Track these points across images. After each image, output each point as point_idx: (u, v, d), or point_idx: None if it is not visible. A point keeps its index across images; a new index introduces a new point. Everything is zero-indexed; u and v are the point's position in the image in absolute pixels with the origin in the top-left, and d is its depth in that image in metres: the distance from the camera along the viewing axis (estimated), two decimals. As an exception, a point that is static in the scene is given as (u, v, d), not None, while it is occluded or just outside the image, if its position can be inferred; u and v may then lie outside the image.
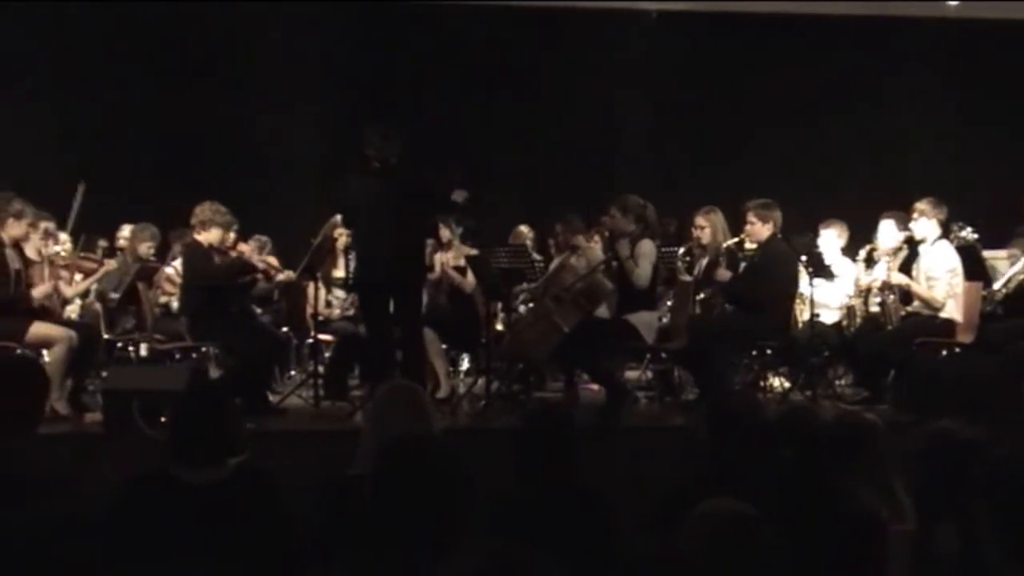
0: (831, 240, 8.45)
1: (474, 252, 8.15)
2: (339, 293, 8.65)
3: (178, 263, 8.13)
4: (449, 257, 8.34)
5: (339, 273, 8.59)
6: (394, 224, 6.87)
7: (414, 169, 7.12)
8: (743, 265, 7.76)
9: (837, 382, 8.27)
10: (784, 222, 7.64)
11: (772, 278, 7.46)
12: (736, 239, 7.85)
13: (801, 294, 7.84)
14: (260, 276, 7.96)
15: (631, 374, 8.59)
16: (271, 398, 7.57)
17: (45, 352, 7.14)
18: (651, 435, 6.80)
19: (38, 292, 7.10)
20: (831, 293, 8.26)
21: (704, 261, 8.00)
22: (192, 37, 10.69)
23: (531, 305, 8.27)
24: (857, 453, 3.61)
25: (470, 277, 8.13)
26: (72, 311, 7.99)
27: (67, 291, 7.94)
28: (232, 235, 7.97)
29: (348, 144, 10.39)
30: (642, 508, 3.48)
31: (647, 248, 7.30)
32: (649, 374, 8.46)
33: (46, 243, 7.50)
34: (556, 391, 8.32)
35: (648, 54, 11.29)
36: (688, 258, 8.23)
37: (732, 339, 7.52)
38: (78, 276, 8.03)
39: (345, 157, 9.67)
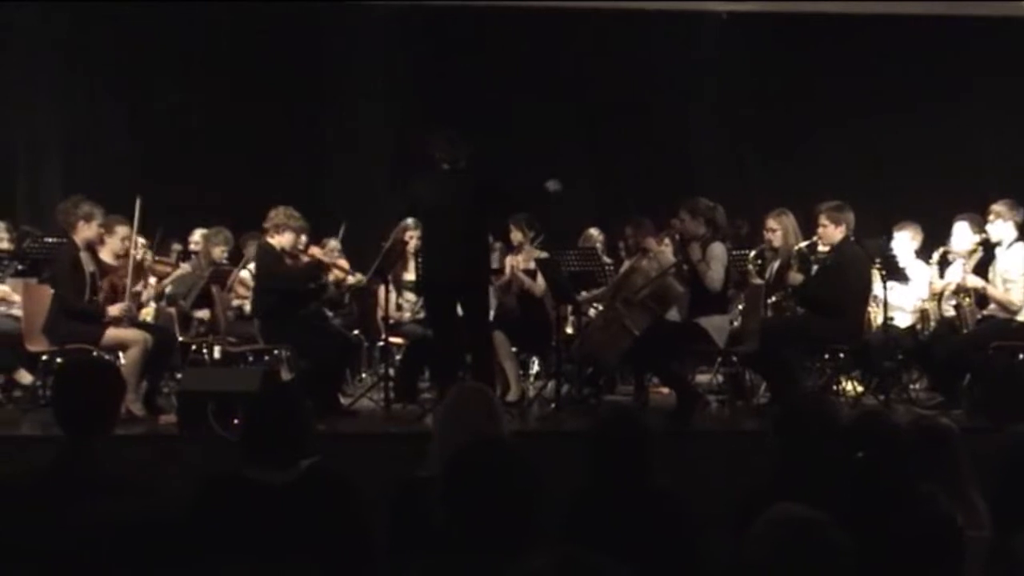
0: (905, 242, 8.32)
1: (544, 255, 8.16)
2: (409, 296, 8.70)
3: (251, 266, 8.24)
4: (519, 260, 8.35)
5: (409, 276, 8.64)
6: (461, 227, 6.91)
7: (483, 172, 7.15)
8: (815, 268, 7.68)
9: (911, 386, 8.13)
10: (857, 224, 7.54)
11: (845, 281, 7.37)
12: (808, 242, 7.77)
13: (875, 297, 7.75)
14: (331, 280, 8.04)
15: (702, 378, 8.53)
16: (342, 400, 7.63)
17: (121, 354, 7.27)
18: (722, 439, 6.76)
19: (115, 310, 7.20)
20: (905, 296, 8.13)
21: (776, 264, 7.94)
22: (265, 41, 10.81)
23: (601, 308, 8.24)
24: (932, 458, 3.55)
25: (540, 280, 8.13)
26: (147, 314, 8.13)
27: (142, 294, 8.09)
28: (304, 239, 8.06)
29: (417, 148, 10.53)
30: (713, 512, 3.45)
31: (718, 251, 7.24)
32: (720, 378, 8.39)
33: (125, 247, 7.63)
34: (626, 394, 8.29)
35: (719, 55, 11.20)
36: (759, 261, 8.17)
37: (804, 343, 7.44)
38: (152, 279, 8.17)
39: (414, 161, 9.77)
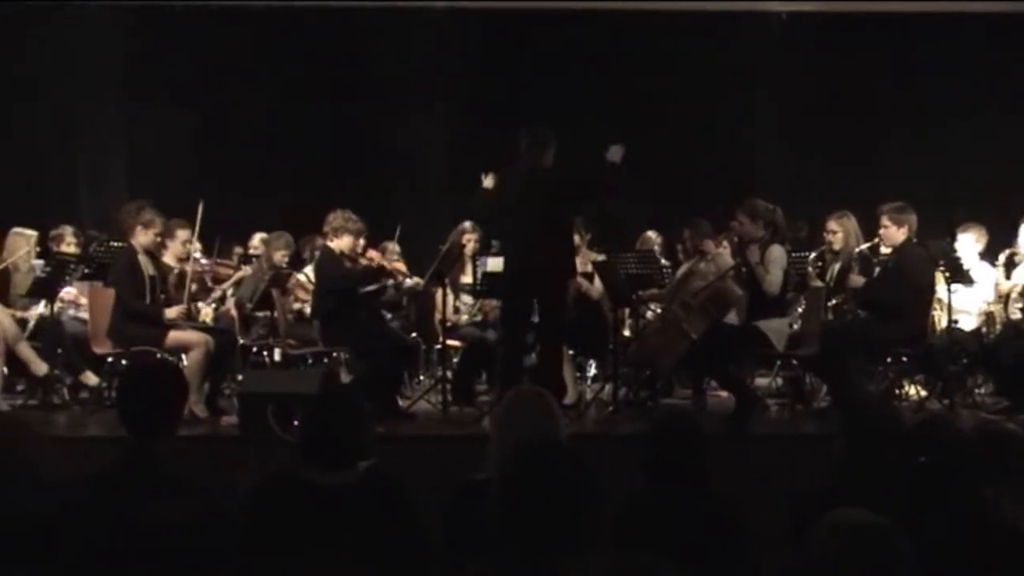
0: (969, 244, 8.19)
1: (601, 257, 8.14)
2: (467, 299, 8.72)
3: (309, 269, 8.31)
4: (577, 263, 8.33)
5: (467, 279, 8.66)
6: (544, 226, 6.95)
7: (563, 172, 7.17)
8: (877, 270, 7.61)
9: (976, 391, 8.01)
10: (920, 226, 7.45)
11: (908, 283, 7.28)
12: (870, 243, 7.70)
13: (938, 300, 7.65)
14: (390, 283, 8.09)
15: (761, 381, 8.46)
16: (400, 403, 7.67)
17: (184, 356, 7.36)
18: (781, 443, 6.70)
19: (172, 312, 7.30)
20: (970, 299, 8.02)
21: (836, 266, 7.86)
22: (323, 48, 10.90)
23: (658, 311, 8.21)
24: (997, 464, 3.49)
25: (597, 283, 8.12)
26: (206, 314, 8.22)
27: (204, 297, 8.20)
28: (363, 242, 8.11)
29: (476, 149, 10.55)
30: (772, 517, 3.42)
31: (777, 254, 7.19)
32: (779, 381, 8.32)
33: (187, 251, 7.73)
34: (684, 398, 8.24)
35: (778, 55, 11.12)
36: (820, 263, 8.10)
37: (866, 346, 7.37)
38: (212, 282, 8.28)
39: (474, 162, 9.79)
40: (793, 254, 7.63)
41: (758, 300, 7.22)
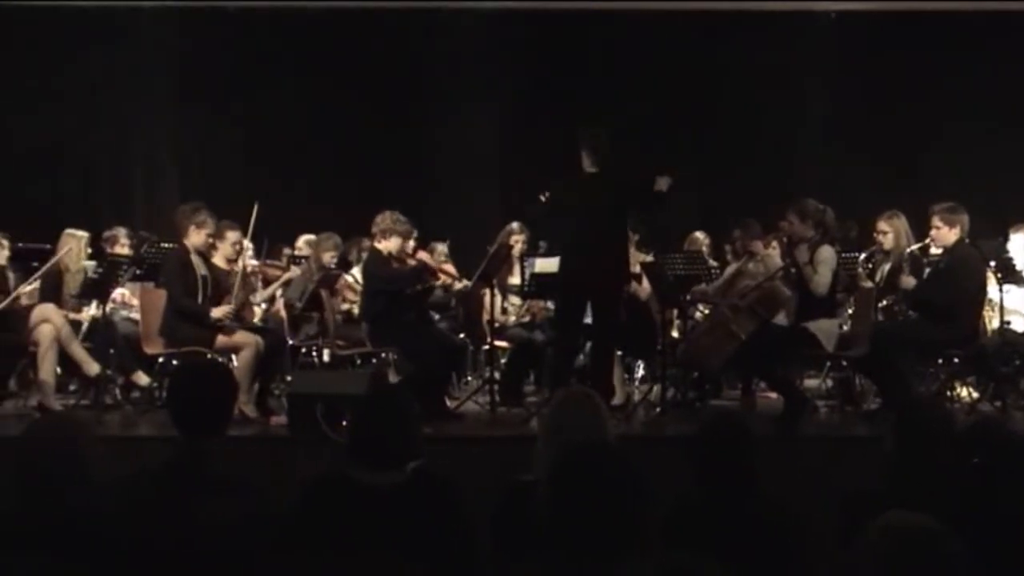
0: (1021, 244, 8.09)
1: (649, 258, 8.12)
2: (515, 300, 8.73)
3: (357, 271, 8.35)
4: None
5: (514, 280, 8.67)
6: (603, 228, 6.99)
7: (622, 173, 7.18)
8: (928, 271, 7.53)
9: (1029, 392, 7.91)
10: (972, 226, 7.37)
11: (959, 284, 7.21)
12: (921, 244, 7.63)
13: (990, 300, 7.56)
14: (438, 284, 8.12)
15: (810, 382, 8.40)
16: (448, 403, 7.69)
17: (234, 357, 7.43)
18: (831, 445, 6.66)
19: (218, 312, 7.36)
20: (1022, 299, 7.91)
21: (887, 267, 7.80)
22: (371, 49, 10.95)
23: (707, 311, 8.17)
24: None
25: (645, 284, 8.10)
26: (258, 313, 8.29)
27: (253, 298, 8.26)
28: (411, 243, 8.15)
29: (524, 150, 10.57)
30: (822, 520, 3.39)
31: (827, 254, 7.13)
32: (829, 382, 8.26)
33: (237, 252, 7.80)
34: (732, 399, 8.21)
35: (827, 55, 11.03)
36: (870, 264, 8.04)
37: (917, 347, 7.31)
38: (261, 283, 8.35)
39: (523, 163, 9.81)
40: (843, 254, 7.58)
41: (807, 301, 7.18)
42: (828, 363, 7.99)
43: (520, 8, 11.15)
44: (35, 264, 8.27)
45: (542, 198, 7.33)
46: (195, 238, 7.46)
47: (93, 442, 3.23)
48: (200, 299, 7.41)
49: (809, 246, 7.16)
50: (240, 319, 7.62)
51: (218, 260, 7.73)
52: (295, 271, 8.50)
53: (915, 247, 7.64)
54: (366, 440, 3.40)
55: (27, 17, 10.57)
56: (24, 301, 7.56)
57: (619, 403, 7.63)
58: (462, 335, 8.77)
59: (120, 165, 11.21)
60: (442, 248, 9.08)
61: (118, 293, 8.22)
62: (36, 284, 7.70)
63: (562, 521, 2.60)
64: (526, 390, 8.36)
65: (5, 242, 7.75)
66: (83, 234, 8.33)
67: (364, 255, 8.18)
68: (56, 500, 3.03)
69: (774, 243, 8.03)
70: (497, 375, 8.01)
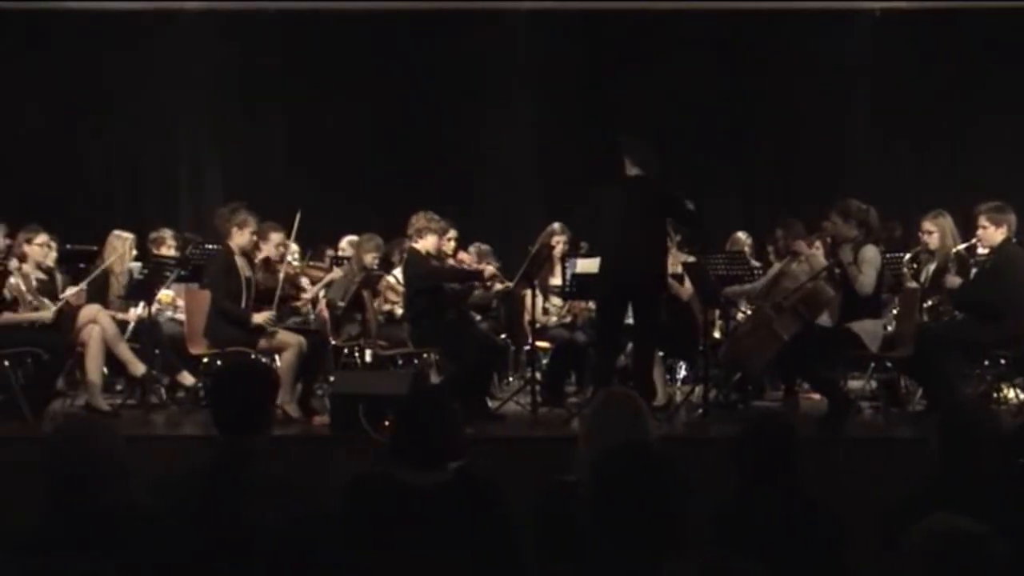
0: (1071, 244, 7.98)
1: (691, 259, 8.10)
2: (556, 300, 8.72)
3: (398, 272, 8.38)
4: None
5: (556, 281, 8.67)
6: (644, 233, 7.02)
7: (661, 179, 7.20)
8: (974, 271, 7.44)
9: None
10: (1019, 225, 7.28)
11: (1006, 284, 7.12)
12: (967, 244, 7.54)
13: (1038, 301, 7.45)
14: (478, 284, 8.14)
15: (854, 384, 8.34)
16: (490, 404, 7.70)
17: (277, 357, 7.48)
18: (876, 447, 6.61)
19: (259, 318, 7.40)
20: (1071, 300, 7.80)
21: (932, 267, 7.71)
22: (414, 49, 10.99)
23: (749, 312, 8.13)
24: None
25: (687, 284, 8.07)
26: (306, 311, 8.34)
27: (300, 300, 8.32)
28: (451, 242, 8.15)
29: (565, 151, 10.57)
30: (866, 522, 3.37)
31: (871, 254, 7.08)
32: (873, 384, 8.19)
33: (281, 253, 7.85)
34: (775, 400, 8.16)
35: (871, 53, 10.94)
36: (915, 264, 7.96)
37: (963, 348, 7.22)
38: (306, 283, 8.39)
39: (563, 164, 9.81)
40: (887, 254, 7.51)
41: (852, 301, 7.12)
42: (872, 364, 7.91)
43: (562, 8, 11.15)
44: (82, 266, 8.38)
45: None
46: (239, 239, 7.52)
47: (116, 442, 3.25)
48: (244, 300, 7.46)
49: (853, 246, 7.11)
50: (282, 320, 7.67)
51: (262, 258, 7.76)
52: (337, 272, 8.54)
53: (961, 247, 7.56)
54: (408, 440, 3.41)
55: (71, 20, 10.70)
56: (71, 302, 7.65)
57: (661, 404, 7.61)
58: (503, 336, 8.78)
59: (166, 167, 11.32)
60: (485, 248, 9.09)
61: (163, 294, 8.29)
62: (84, 287, 7.78)
63: (603, 521, 2.60)
64: (567, 391, 8.35)
65: (53, 244, 7.84)
66: (129, 236, 8.42)
67: (405, 256, 8.21)
68: (87, 500, 3.06)
69: (818, 243, 7.97)
70: (538, 376, 8.01)
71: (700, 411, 7.52)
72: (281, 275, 7.64)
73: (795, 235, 7.90)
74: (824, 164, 10.82)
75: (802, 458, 3.54)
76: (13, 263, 7.39)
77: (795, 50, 10.81)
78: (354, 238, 8.96)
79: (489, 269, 8.31)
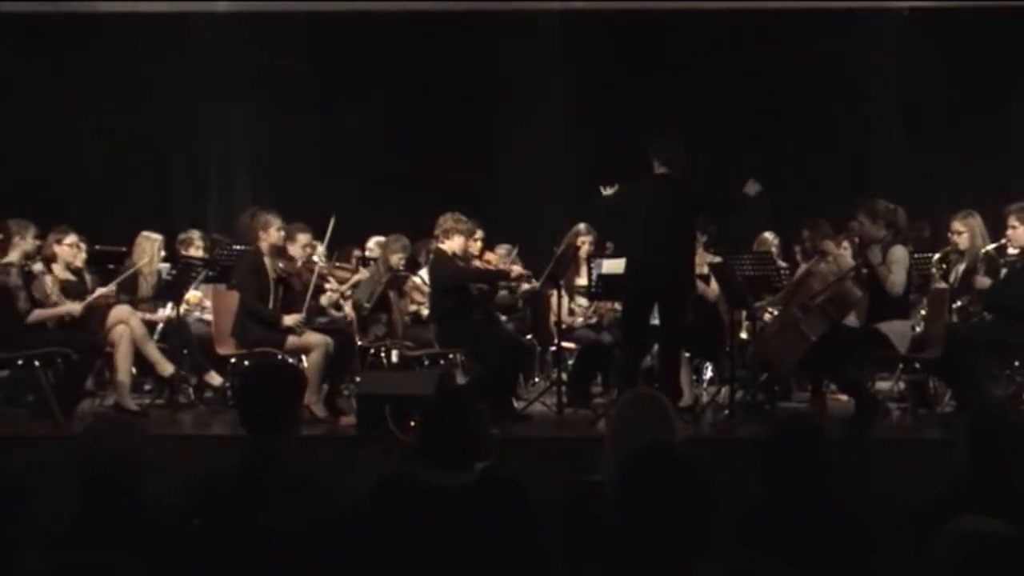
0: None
1: (717, 259, 8.08)
2: (582, 301, 8.72)
3: (424, 272, 8.40)
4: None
5: (582, 281, 8.66)
6: (671, 231, 7.01)
7: (694, 178, 7.18)
8: (1004, 271, 7.39)
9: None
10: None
11: (1037, 285, 7.07)
12: (996, 244, 7.49)
13: (1070, 302, 7.39)
14: (512, 279, 8.16)
15: (882, 385, 8.29)
16: (516, 404, 7.70)
17: (304, 357, 7.50)
18: (904, 448, 6.57)
19: (289, 320, 7.42)
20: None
21: (961, 267, 7.67)
22: (443, 50, 11.02)
23: (776, 313, 8.10)
24: None
25: (714, 285, 8.05)
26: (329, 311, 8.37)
27: (323, 299, 8.35)
28: (478, 243, 8.15)
29: (592, 151, 10.56)
30: (894, 525, 3.35)
31: (899, 254, 7.04)
32: (902, 385, 8.14)
33: (308, 254, 7.88)
34: (803, 401, 8.13)
35: (899, 52, 10.88)
36: (944, 264, 7.91)
37: (992, 349, 7.18)
38: (333, 283, 8.42)
39: (590, 164, 9.79)
40: (916, 255, 7.47)
41: (880, 302, 7.09)
42: (901, 365, 7.87)
43: (589, 9, 11.14)
44: (111, 267, 8.45)
45: (607, 190, 7.32)
46: (267, 239, 7.55)
47: (145, 441, 3.27)
48: (272, 301, 7.50)
49: (881, 247, 7.07)
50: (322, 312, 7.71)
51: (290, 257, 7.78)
52: (364, 273, 8.56)
53: (991, 247, 7.51)
54: (434, 440, 3.42)
55: (101, 23, 10.77)
56: (101, 301, 7.70)
57: (687, 405, 7.59)
58: (529, 336, 8.78)
59: (194, 169, 11.39)
60: (511, 249, 9.10)
61: (191, 295, 8.34)
62: (114, 288, 7.83)
63: (629, 522, 2.59)
64: (593, 391, 8.34)
65: (82, 245, 7.91)
66: (157, 237, 8.48)
67: (432, 257, 8.23)
68: (117, 499, 3.08)
69: (845, 243, 7.93)
70: (564, 376, 8.00)
71: (726, 412, 7.50)
72: (313, 277, 7.66)
73: (822, 235, 7.87)
74: (851, 164, 10.76)
75: (829, 460, 3.53)
76: (38, 266, 7.45)
77: (822, 49, 10.75)
78: (381, 239, 8.99)
79: (516, 269, 8.31)
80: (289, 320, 7.40)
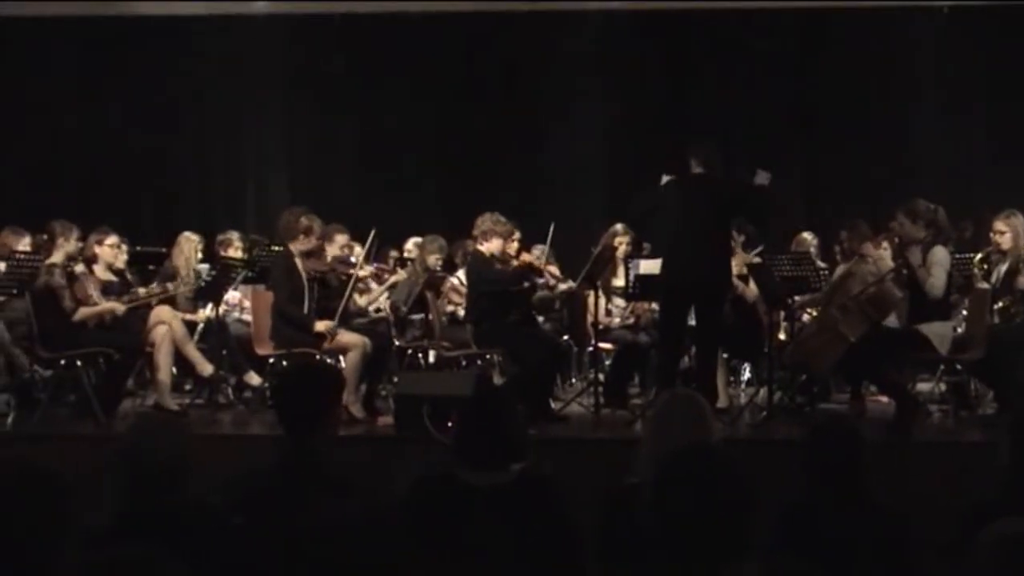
0: None
1: (756, 260, 8.04)
2: (619, 302, 8.70)
3: (462, 273, 8.42)
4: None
5: (619, 282, 8.65)
6: (708, 232, 6.97)
7: (727, 179, 7.14)
8: (1047, 272, 7.32)
9: None
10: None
11: (1081, 285, 6.99)
12: (1040, 244, 7.40)
13: (1114, 303, 7.31)
14: (543, 281, 8.14)
15: (923, 386, 8.23)
16: (553, 405, 7.70)
17: (341, 357, 7.53)
18: (944, 451, 6.51)
19: (321, 326, 7.41)
20: None
21: (1003, 267, 7.59)
22: (481, 50, 11.03)
23: (815, 314, 8.05)
24: None
25: (752, 285, 8.01)
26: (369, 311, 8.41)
27: (361, 300, 8.38)
28: (515, 244, 8.15)
29: (630, 152, 10.54)
30: (934, 528, 3.32)
31: (940, 255, 6.97)
32: (942, 386, 8.07)
33: (345, 254, 7.92)
34: (842, 403, 8.07)
35: (940, 50, 10.78)
36: (985, 264, 7.83)
37: (1036, 350, 7.09)
38: (372, 284, 8.46)
39: (628, 165, 9.77)
40: (957, 255, 7.40)
41: (920, 302, 7.02)
42: (941, 366, 7.80)
43: (630, 9, 11.13)
44: (151, 267, 8.53)
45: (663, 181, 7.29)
46: (303, 244, 7.57)
47: (188, 440, 3.30)
48: (307, 301, 7.52)
49: (921, 247, 7.01)
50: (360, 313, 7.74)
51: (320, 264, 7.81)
52: (402, 274, 8.59)
53: (1034, 247, 7.43)
54: (472, 441, 3.43)
55: (139, 25, 10.88)
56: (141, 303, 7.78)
57: (723, 407, 7.56)
58: (566, 337, 8.76)
59: (233, 170, 11.47)
60: (543, 249, 9.09)
61: (230, 296, 8.40)
62: (158, 290, 7.91)
63: (666, 524, 2.58)
64: (630, 392, 8.32)
65: (123, 246, 7.99)
66: (195, 237, 8.54)
67: (469, 258, 8.24)
68: (159, 497, 3.10)
69: (885, 243, 7.87)
70: (601, 377, 7.99)
71: (764, 414, 7.46)
72: (352, 280, 7.67)
73: (861, 236, 7.80)
74: (891, 163, 10.68)
75: (869, 462, 3.50)
76: (80, 266, 7.54)
77: (862, 49, 10.68)
78: (419, 240, 9.01)
79: (551, 270, 8.30)
80: (321, 326, 7.40)
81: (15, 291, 7.44)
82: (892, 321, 7.39)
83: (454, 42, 11.02)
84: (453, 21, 10.96)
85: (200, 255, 8.53)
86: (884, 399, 7.63)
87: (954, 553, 2.93)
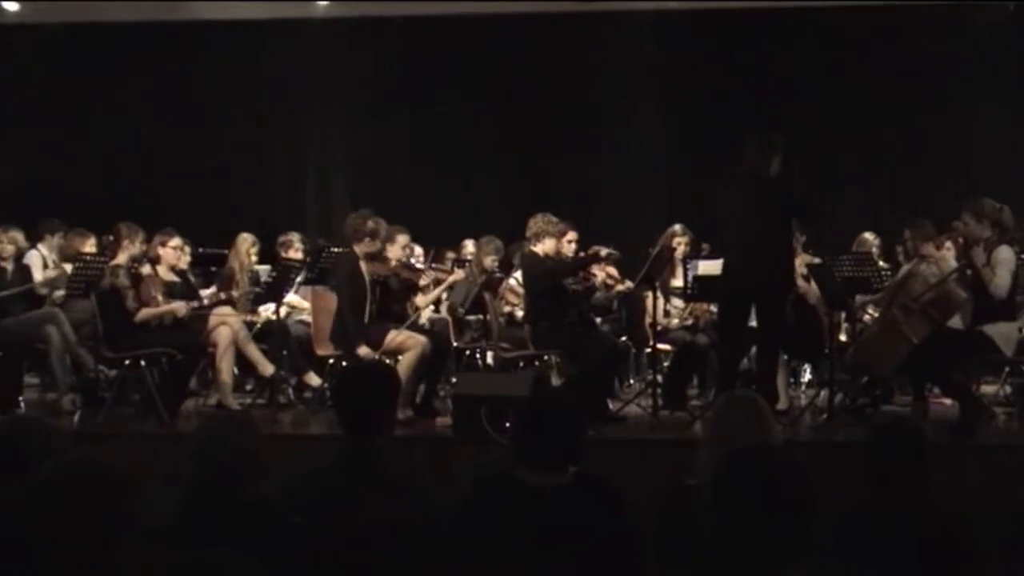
0: None
1: (817, 260, 7.96)
2: (677, 302, 8.66)
3: (519, 274, 8.43)
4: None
5: (677, 282, 8.60)
6: (767, 233, 6.90)
7: (790, 180, 7.11)
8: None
9: None
10: None
11: None
12: (1107, 244, 7.26)
13: None
14: (599, 281, 8.13)
15: (987, 389, 8.10)
16: (611, 406, 7.68)
17: (400, 357, 7.57)
18: (1010, 454, 6.41)
19: (362, 351, 7.43)
20: None
21: (1072, 268, 7.45)
22: (535, 53, 11.04)
23: (877, 315, 7.96)
24: None
25: (813, 286, 7.94)
26: (426, 316, 8.44)
27: (419, 301, 8.41)
28: (571, 244, 8.12)
29: (688, 153, 10.49)
30: (998, 532, 3.28)
31: (1005, 255, 6.86)
32: (1008, 389, 7.94)
33: (406, 253, 7.97)
34: (904, 405, 7.97)
35: (1006, 48, 10.60)
36: (1052, 265, 7.69)
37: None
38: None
39: (686, 165, 9.72)
40: (1022, 255, 7.27)
41: (985, 303, 6.92)
42: (1007, 368, 7.68)
43: (686, 9, 11.07)
44: (213, 268, 8.63)
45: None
46: (367, 247, 7.63)
47: (257, 439, 3.34)
48: (368, 304, 7.57)
49: (986, 247, 6.90)
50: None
51: (380, 267, 7.85)
52: (459, 275, 8.62)
53: (1101, 247, 7.29)
54: (530, 442, 3.43)
55: (199, 30, 11.03)
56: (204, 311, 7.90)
57: (783, 408, 7.50)
58: (624, 338, 8.74)
59: (293, 172, 11.58)
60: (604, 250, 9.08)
61: (291, 298, 8.48)
62: (221, 294, 8.01)
63: (726, 526, 2.57)
64: (689, 393, 8.28)
65: (186, 247, 8.09)
66: (251, 237, 8.61)
67: (523, 260, 8.24)
68: (226, 495, 3.14)
69: (948, 244, 7.76)
70: (660, 378, 7.96)
71: (825, 416, 7.39)
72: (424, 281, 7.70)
73: (924, 236, 7.70)
74: (956, 162, 10.53)
75: (932, 465, 3.46)
76: (145, 268, 7.66)
77: (925, 47, 10.55)
78: (476, 241, 9.04)
79: (608, 271, 8.28)
80: (362, 352, 7.42)
81: (82, 291, 7.58)
82: (955, 322, 7.28)
83: (510, 43, 11.03)
84: (509, 23, 10.97)
85: (256, 256, 8.59)
86: (947, 401, 7.53)
87: (1018, 556, 2.89)
